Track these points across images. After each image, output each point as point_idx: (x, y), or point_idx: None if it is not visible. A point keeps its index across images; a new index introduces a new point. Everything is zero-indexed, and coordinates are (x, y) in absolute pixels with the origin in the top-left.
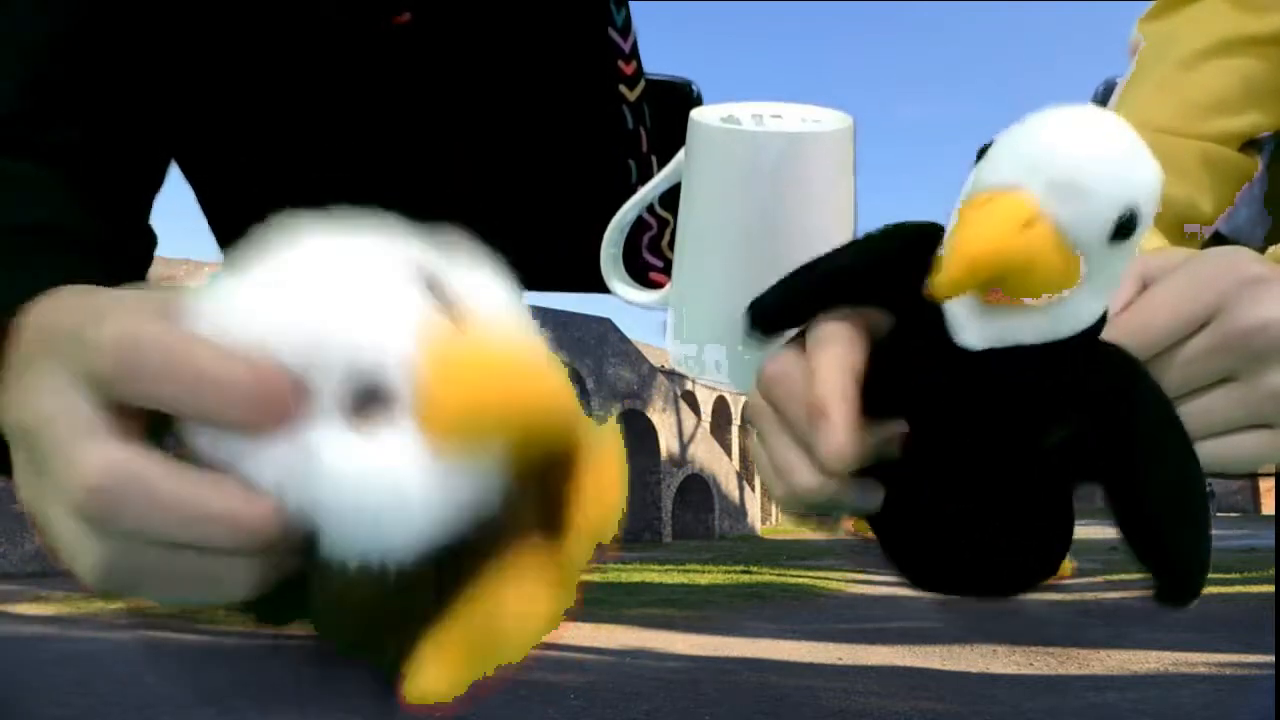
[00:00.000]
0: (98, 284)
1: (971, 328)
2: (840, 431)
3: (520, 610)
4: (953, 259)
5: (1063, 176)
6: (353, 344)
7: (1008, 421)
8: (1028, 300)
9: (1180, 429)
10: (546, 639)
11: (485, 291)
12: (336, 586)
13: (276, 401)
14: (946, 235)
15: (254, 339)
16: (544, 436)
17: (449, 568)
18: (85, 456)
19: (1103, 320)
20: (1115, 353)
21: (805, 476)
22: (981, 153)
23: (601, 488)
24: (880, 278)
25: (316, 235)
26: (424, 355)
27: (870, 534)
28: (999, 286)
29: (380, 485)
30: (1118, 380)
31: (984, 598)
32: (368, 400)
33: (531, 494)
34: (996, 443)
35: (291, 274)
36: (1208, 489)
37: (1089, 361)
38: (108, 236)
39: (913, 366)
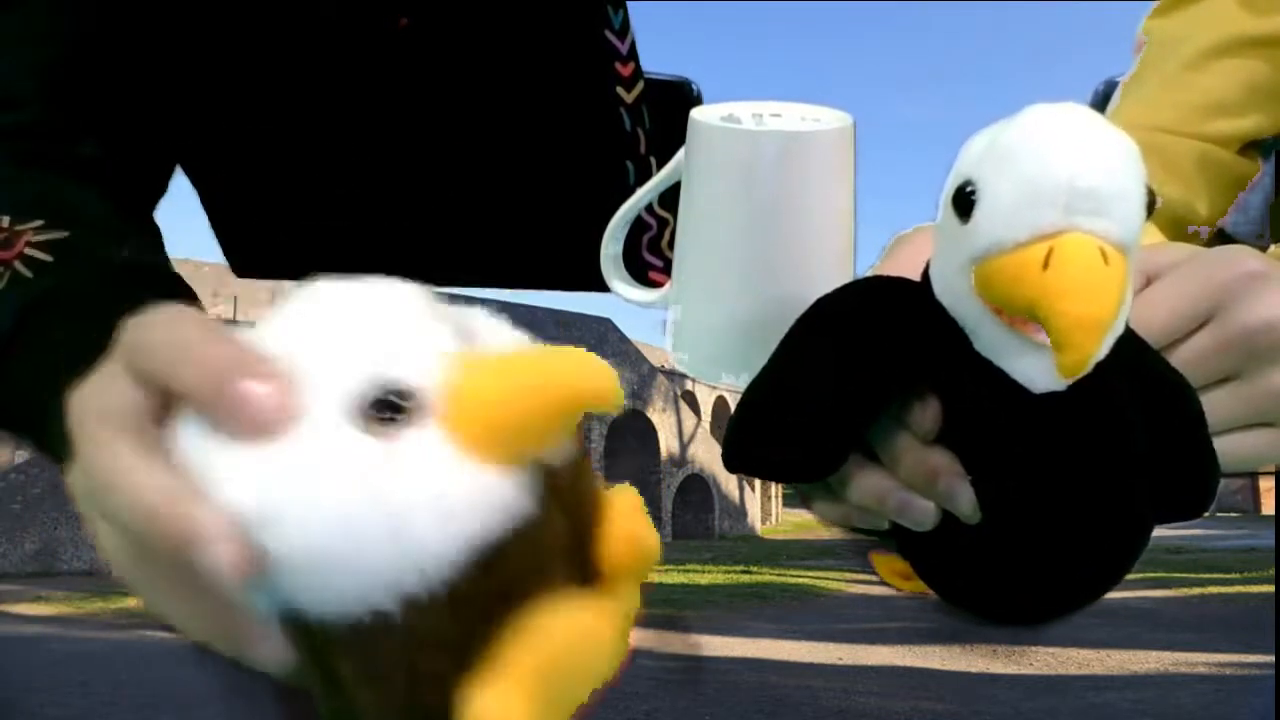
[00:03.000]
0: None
1: (1041, 370)
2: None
3: (582, 631)
4: (1074, 332)
5: (1092, 195)
6: (377, 354)
7: (1109, 444)
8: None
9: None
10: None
11: (494, 326)
12: (353, 642)
13: (256, 378)
14: (998, 290)
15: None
16: (599, 405)
17: (505, 575)
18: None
19: None
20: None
21: (877, 480)
22: (960, 196)
23: (637, 526)
24: (901, 364)
25: (336, 282)
26: (452, 363)
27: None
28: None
29: (411, 481)
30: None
31: (1043, 620)
32: (388, 411)
33: (561, 504)
34: (1097, 471)
35: (314, 306)
36: None
37: (1137, 353)
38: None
39: (983, 425)
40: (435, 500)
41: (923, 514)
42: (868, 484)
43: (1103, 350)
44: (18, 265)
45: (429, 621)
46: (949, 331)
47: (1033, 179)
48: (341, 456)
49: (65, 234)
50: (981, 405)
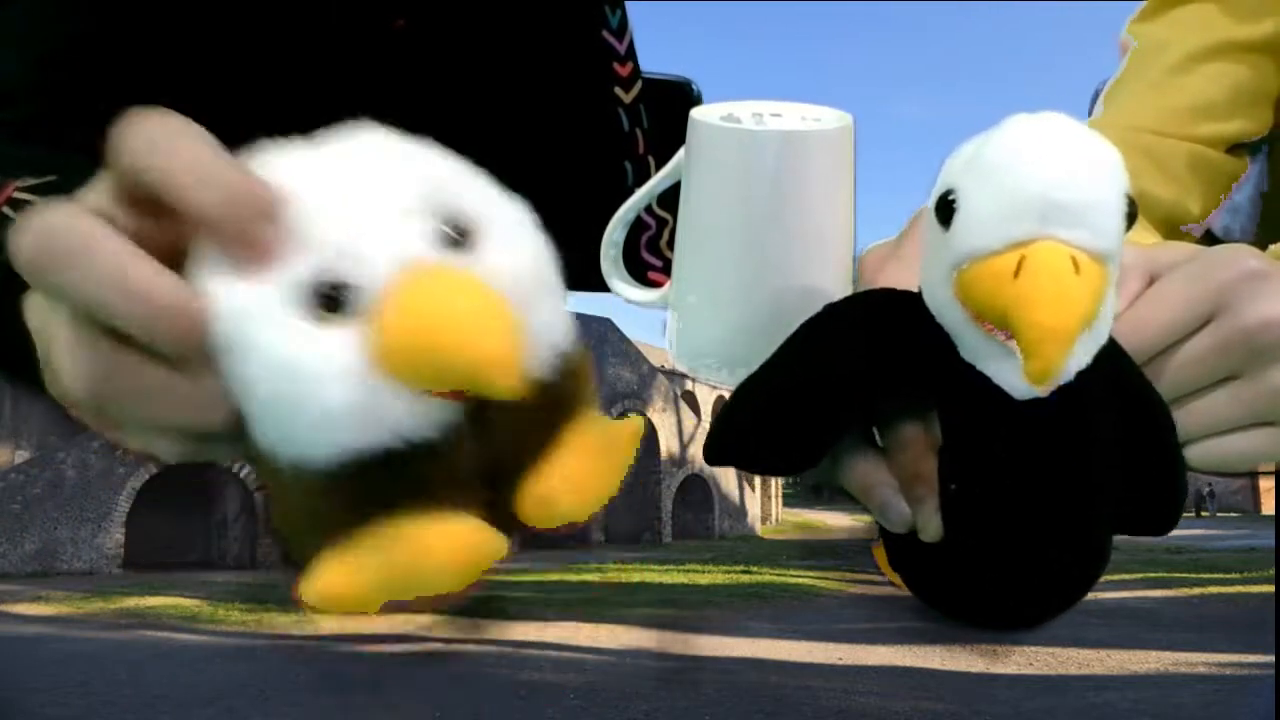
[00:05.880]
0: None
1: (1020, 377)
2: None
3: (440, 543)
4: (1042, 342)
5: (1066, 206)
6: (339, 242)
7: (1080, 453)
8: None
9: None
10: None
11: (507, 230)
12: (268, 473)
13: (248, 203)
14: (975, 299)
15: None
16: (486, 390)
17: (374, 483)
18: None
19: None
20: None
21: (869, 471)
22: (942, 204)
23: (587, 470)
24: (886, 369)
25: (364, 140)
26: (397, 279)
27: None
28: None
29: (309, 373)
30: (1127, 362)
31: (1028, 626)
32: (331, 300)
33: (482, 438)
34: (1065, 479)
35: (324, 166)
36: (1208, 489)
37: (1113, 357)
38: None
39: (964, 430)
40: (325, 397)
41: (898, 517)
42: (859, 472)
43: (1082, 359)
44: (4, 210)
45: (303, 490)
46: (937, 338)
47: (1008, 190)
48: (275, 328)
49: (54, 178)
50: (963, 410)
